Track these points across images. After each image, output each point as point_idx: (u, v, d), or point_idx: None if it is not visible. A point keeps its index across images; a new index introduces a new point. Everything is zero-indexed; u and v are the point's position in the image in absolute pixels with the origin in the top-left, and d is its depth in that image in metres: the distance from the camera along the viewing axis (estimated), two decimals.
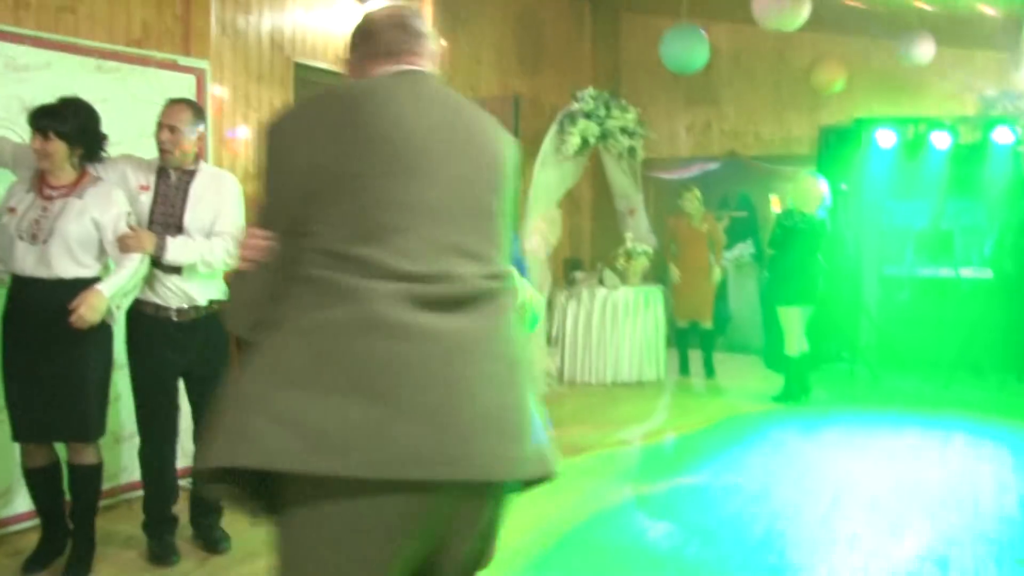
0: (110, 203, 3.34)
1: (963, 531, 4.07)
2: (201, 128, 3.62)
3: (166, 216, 3.53)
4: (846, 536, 3.99)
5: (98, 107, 3.81)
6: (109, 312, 3.31)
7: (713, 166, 9.15)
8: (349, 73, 1.87)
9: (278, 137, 1.68)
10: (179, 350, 3.51)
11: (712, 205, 8.90)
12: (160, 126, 3.53)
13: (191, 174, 3.58)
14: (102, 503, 3.60)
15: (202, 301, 3.53)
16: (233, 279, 1.79)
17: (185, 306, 3.50)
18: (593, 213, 9.28)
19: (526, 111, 7.82)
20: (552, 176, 7.34)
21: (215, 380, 3.14)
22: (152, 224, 3.50)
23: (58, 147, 3.26)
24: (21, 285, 3.30)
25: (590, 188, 9.07)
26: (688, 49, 7.20)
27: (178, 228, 3.49)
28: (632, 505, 4.42)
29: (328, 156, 1.60)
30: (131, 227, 3.37)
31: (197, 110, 3.63)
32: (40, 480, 3.45)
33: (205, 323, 3.51)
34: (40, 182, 3.34)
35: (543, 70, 8.46)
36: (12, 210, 3.30)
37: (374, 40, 1.82)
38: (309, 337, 1.52)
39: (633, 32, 9.60)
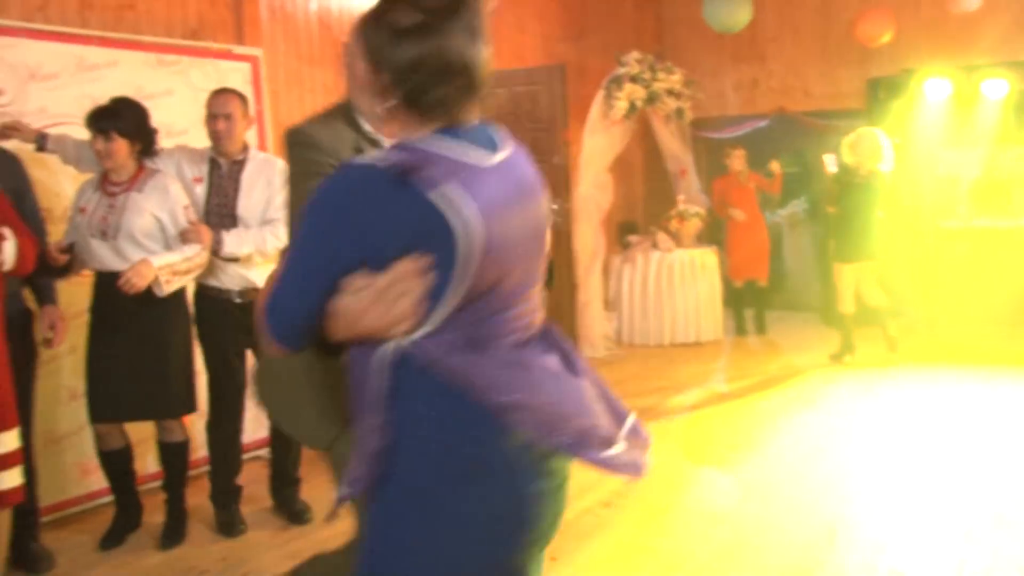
0: (167, 196, 3.47)
1: (1017, 486, 4.11)
2: (250, 115, 3.76)
3: (220, 207, 3.68)
4: (903, 492, 4.05)
5: (163, 100, 3.99)
6: (157, 283, 3.37)
7: (762, 124, 9.07)
8: None
9: None
10: (243, 330, 3.62)
11: (763, 163, 8.87)
12: (214, 116, 3.64)
13: (241, 163, 3.72)
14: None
15: (262, 283, 3.67)
16: None
17: (247, 287, 3.69)
18: (645, 176, 9.28)
19: (573, 78, 7.83)
20: (601, 142, 7.37)
21: None
22: (208, 215, 3.65)
23: (121, 145, 3.41)
24: (102, 279, 3.49)
25: (640, 151, 9.06)
26: (731, 8, 7.15)
27: (232, 217, 3.65)
28: (691, 465, 4.52)
29: None
30: (191, 221, 3.50)
31: (243, 98, 3.76)
32: (114, 461, 3.65)
33: None
34: (103, 180, 3.50)
35: (587, 35, 8.44)
36: (83, 210, 3.47)
37: None
38: None
39: None
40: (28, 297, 3.49)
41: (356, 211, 1.38)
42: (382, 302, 1.37)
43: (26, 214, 3.36)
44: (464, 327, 1.43)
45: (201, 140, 4.19)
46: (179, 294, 3.58)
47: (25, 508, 3.47)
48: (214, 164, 3.72)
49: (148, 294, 3.35)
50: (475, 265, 1.39)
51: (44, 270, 3.38)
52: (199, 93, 4.42)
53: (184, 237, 3.48)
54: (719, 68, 9.33)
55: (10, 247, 2.92)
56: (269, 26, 5.28)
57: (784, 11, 8.99)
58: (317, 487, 3.93)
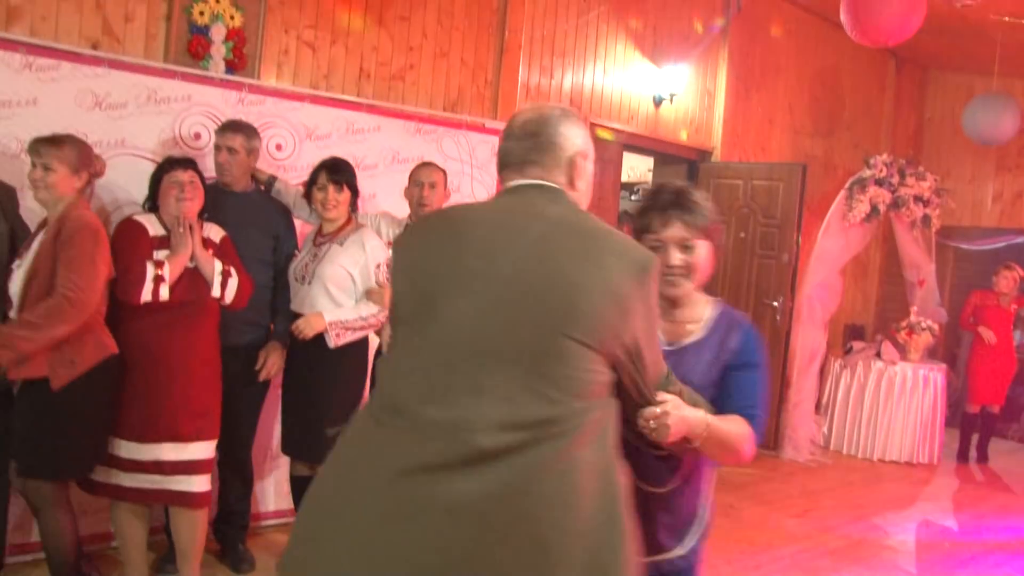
0: (362, 252, 3.72)
1: None
2: (448, 189, 4.11)
3: None
4: None
5: (415, 163, 4.39)
6: (327, 334, 3.64)
7: (1022, 240, 8.52)
8: None
9: (397, 250, 1.84)
10: None
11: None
12: (422, 184, 4.01)
13: None
14: None
15: None
16: None
17: None
18: (881, 280, 8.96)
19: (817, 173, 7.75)
20: (836, 243, 7.21)
21: None
22: None
23: (347, 196, 3.78)
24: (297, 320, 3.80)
25: (880, 253, 8.77)
26: (994, 120, 6.84)
27: None
28: None
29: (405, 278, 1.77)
30: (379, 282, 3.74)
31: (445, 173, 4.14)
32: (298, 488, 3.91)
33: None
34: (317, 230, 3.86)
35: (838, 131, 8.33)
36: (295, 256, 3.85)
37: (501, 148, 1.85)
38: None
39: (940, 91, 9.19)
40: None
41: None
42: None
43: (281, 256, 3.87)
44: None
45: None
46: (362, 352, 3.83)
47: (241, 510, 3.94)
48: None
49: (323, 341, 3.66)
50: None
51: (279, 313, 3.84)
52: (449, 161, 4.86)
53: (367, 295, 3.73)
54: (979, 176, 8.88)
55: (233, 284, 3.40)
56: (522, 102, 5.67)
57: None
58: None
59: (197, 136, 4.05)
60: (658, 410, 1.77)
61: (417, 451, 1.52)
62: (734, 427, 1.96)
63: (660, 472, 2.02)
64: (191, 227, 3.33)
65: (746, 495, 5.71)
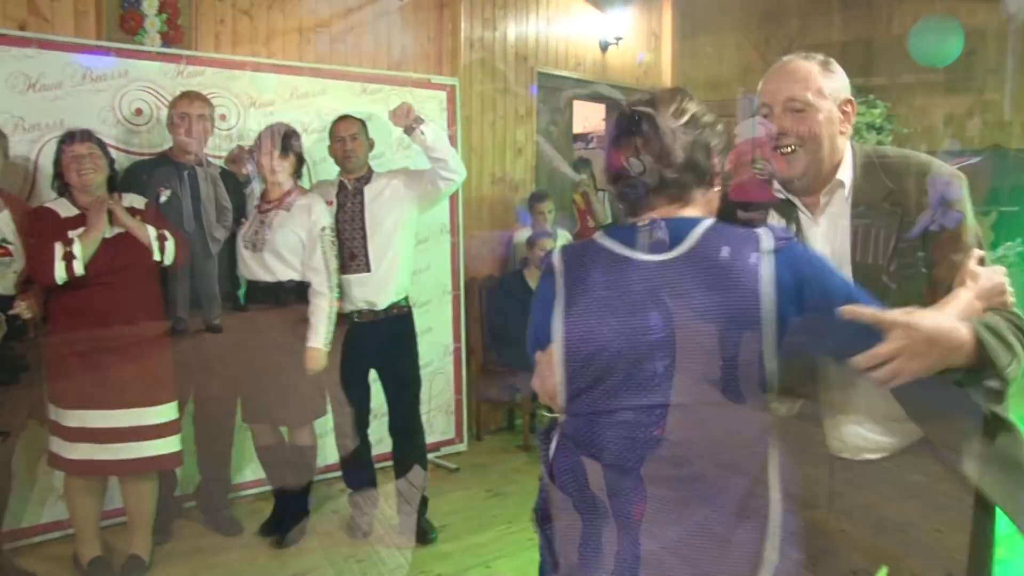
0: (308, 217, 3.69)
1: None
2: (371, 139, 3.97)
3: (350, 222, 3.89)
4: None
5: None
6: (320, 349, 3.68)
7: (975, 160, 8.62)
8: None
9: None
10: (363, 347, 3.84)
11: (976, 201, 8.41)
12: (343, 139, 3.88)
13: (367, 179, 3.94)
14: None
15: (381, 305, 3.87)
16: None
17: (364, 308, 3.85)
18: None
19: None
20: None
21: (402, 375, 3.77)
22: (340, 231, 3.84)
23: (287, 164, 3.73)
24: (250, 287, 3.81)
25: None
26: (938, 42, 6.89)
27: (363, 231, 3.85)
28: None
29: None
30: (324, 247, 3.69)
31: (364, 124, 3.98)
32: (267, 458, 3.94)
33: (385, 324, 3.84)
34: (260, 198, 3.82)
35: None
36: (242, 223, 3.82)
37: None
38: None
39: (887, 18, 9.22)
40: None
41: None
42: None
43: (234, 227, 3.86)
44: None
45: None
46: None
47: (223, 478, 3.98)
48: (342, 186, 3.93)
49: (283, 302, 3.70)
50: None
51: None
52: None
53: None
54: (930, 98, 8.94)
55: (171, 246, 3.43)
56: (467, 56, 5.64)
57: (1007, 41, 8.50)
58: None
59: (139, 112, 4.01)
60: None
61: None
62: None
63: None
64: (107, 203, 3.32)
65: None
